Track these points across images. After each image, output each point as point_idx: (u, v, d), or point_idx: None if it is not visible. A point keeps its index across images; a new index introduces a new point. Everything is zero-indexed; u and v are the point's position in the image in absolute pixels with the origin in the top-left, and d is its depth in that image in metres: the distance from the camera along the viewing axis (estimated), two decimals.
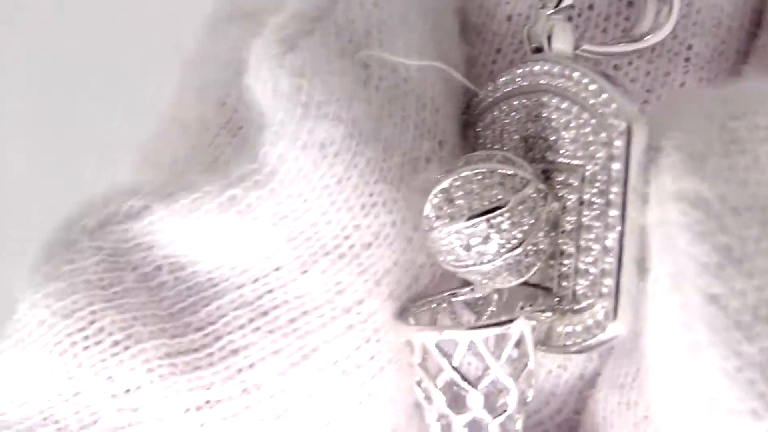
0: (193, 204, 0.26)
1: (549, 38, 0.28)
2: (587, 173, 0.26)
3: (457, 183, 0.26)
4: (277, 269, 0.26)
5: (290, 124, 0.26)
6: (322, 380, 0.26)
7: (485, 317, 0.27)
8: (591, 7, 0.29)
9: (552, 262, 0.27)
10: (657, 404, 0.25)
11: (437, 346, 0.26)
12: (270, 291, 0.26)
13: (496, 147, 0.28)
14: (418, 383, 0.27)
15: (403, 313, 0.27)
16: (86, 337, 0.26)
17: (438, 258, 0.26)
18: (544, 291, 0.27)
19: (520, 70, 0.28)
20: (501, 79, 0.28)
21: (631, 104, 0.26)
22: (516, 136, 0.28)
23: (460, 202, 0.25)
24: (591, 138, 0.26)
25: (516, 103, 0.28)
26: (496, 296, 0.27)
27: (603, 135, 0.26)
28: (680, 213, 0.23)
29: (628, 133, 0.25)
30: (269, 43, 0.26)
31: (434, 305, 0.27)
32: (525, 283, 0.27)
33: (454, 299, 0.28)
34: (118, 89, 0.48)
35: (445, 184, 0.26)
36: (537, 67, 0.27)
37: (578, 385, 0.29)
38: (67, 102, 0.48)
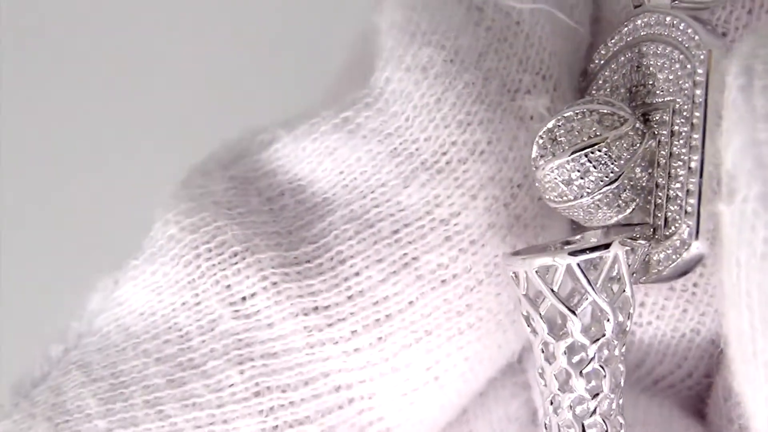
0: (312, 127, 0.29)
1: None
2: (677, 106, 0.27)
3: (560, 123, 0.27)
4: (382, 185, 0.28)
5: (397, 50, 0.28)
6: (421, 288, 0.28)
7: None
8: None
9: (650, 198, 0.28)
10: (737, 337, 0.24)
11: (537, 272, 0.27)
12: (376, 206, 0.28)
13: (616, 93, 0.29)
14: (526, 317, 0.27)
15: (516, 254, 0.28)
16: (209, 249, 0.28)
17: (544, 196, 0.28)
18: (643, 225, 0.28)
19: (625, 28, 0.29)
20: (611, 41, 0.30)
21: (712, 35, 0.27)
22: (623, 90, 0.29)
23: (561, 139, 0.27)
24: (680, 72, 0.28)
25: (622, 59, 0.29)
26: (602, 238, 0.28)
27: (689, 66, 0.27)
28: None
29: (709, 60, 0.27)
30: None
31: (548, 249, 0.28)
32: (629, 224, 0.28)
33: (566, 246, 0.28)
34: (119, 89, 0.48)
35: (550, 125, 0.27)
36: (639, 21, 0.29)
37: (710, 349, 0.30)
38: (67, 101, 0.49)
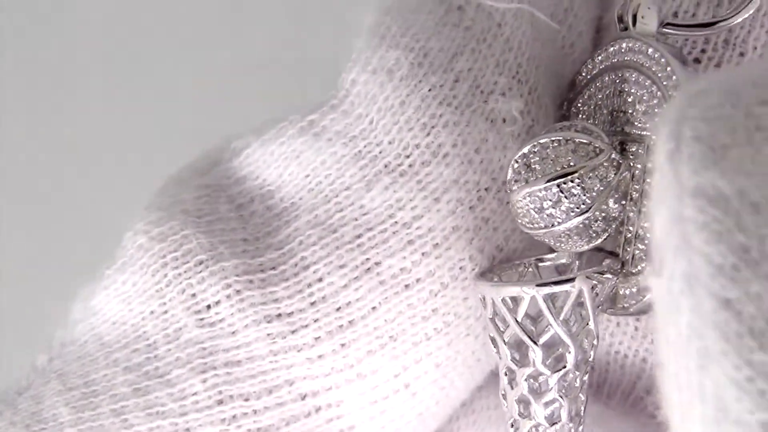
0: (279, 131, 0.29)
1: (635, 17, 0.28)
2: (652, 142, 0.27)
3: (535, 149, 0.27)
4: (346, 189, 0.28)
5: (365, 52, 0.28)
6: (384, 293, 0.28)
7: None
8: None
9: (621, 229, 0.28)
10: (667, 409, 0.23)
11: (503, 301, 0.27)
12: (340, 210, 0.28)
13: (589, 121, 0.29)
14: (492, 339, 0.28)
15: (487, 273, 0.28)
16: (176, 258, 0.28)
17: (517, 220, 0.27)
18: (614, 256, 0.28)
19: (612, 48, 0.29)
20: (598, 57, 0.29)
21: (690, 77, 0.27)
22: (605, 111, 0.29)
23: (536, 167, 0.27)
24: (656, 109, 0.27)
25: (606, 79, 0.29)
26: (577, 262, 0.28)
27: (665, 106, 0.27)
28: (697, 210, 0.21)
29: None
30: None
31: (520, 268, 0.29)
32: (602, 250, 0.28)
33: (540, 264, 0.28)
34: (119, 89, 0.49)
35: (525, 150, 0.27)
36: (624, 45, 0.28)
37: None
38: (67, 102, 0.49)
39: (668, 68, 0.27)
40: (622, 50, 0.28)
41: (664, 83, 0.27)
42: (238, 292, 0.28)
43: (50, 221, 0.48)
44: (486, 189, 0.28)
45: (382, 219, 0.28)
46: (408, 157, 0.28)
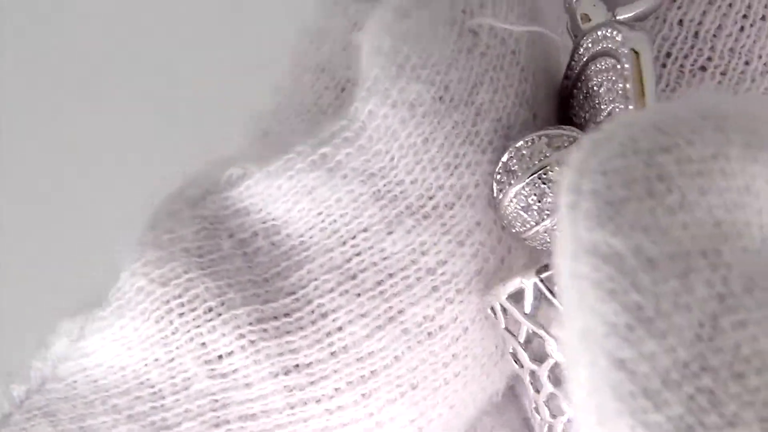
0: (287, 164, 0.27)
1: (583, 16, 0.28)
2: (617, 110, 0.27)
3: (512, 154, 0.27)
4: (364, 230, 0.27)
5: (383, 82, 0.26)
6: (407, 342, 0.27)
7: None
8: None
9: None
10: None
11: (508, 299, 0.26)
12: (358, 254, 0.27)
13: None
14: (512, 353, 0.27)
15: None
16: (182, 304, 0.27)
17: (510, 230, 0.27)
18: None
19: (572, 61, 0.28)
20: (568, 70, 0.28)
21: (633, 30, 0.26)
22: (582, 101, 0.28)
23: (515, 168, 0.27)
24: (613, 77, 0.27)
25: (575, 91, 0.28)
26: None
27: (618, 67, 0.26)
28: (592, 268, 0.20)
29: (635, 55, 0.26)
30: (385, 9, 0.27)
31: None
32: None
33: (542, 274, 0.27)
34: (119, 89, 0.48)
35: (504, 158, 0.27)
36: (580, 49, 0.28)
37: None
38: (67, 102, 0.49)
39: (614, 33, 0.26)
40: (580, 54, 0.28)
41: (615, 48, 0.27)
42: (252, 342, 0.26)
43: (49, 221, 0.48)
44: (503, 227, 0.27)
45: (405, 264, 0.26)
46: (431, 198, 0.26)
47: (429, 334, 0.27)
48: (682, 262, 0.20)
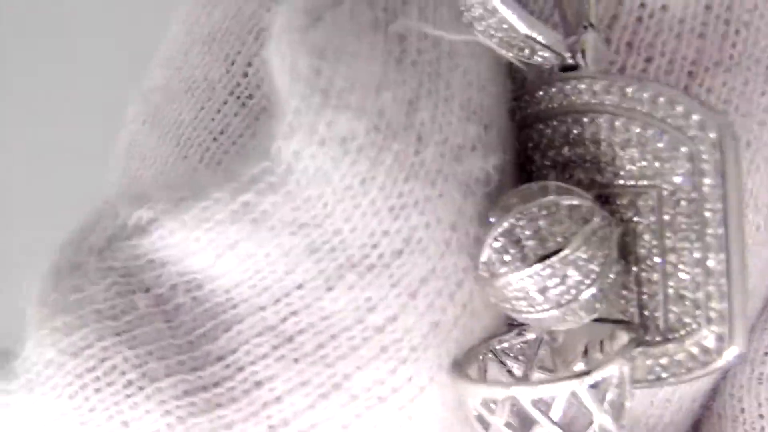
0: (203, 214, 0.23)
1: (583, 53, 0.24)
2: (664, 192, 0.23)
3: (521, 222, 0.23)
4: (299, 287, 0.23)
5: (307, 115, 0.22)
6: (356, 409, 0.23)
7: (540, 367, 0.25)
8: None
9: (625, 292, 0.24)
10: None
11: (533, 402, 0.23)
12: (294, 312, 0.23)
13: (538, 173, 0.25)
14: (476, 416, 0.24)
15: (454, 366, 0.24)
16: (97, 378, 0.23)
17: (504, 306, 0.23)
18: (622, 324, 0.24)
19: (553, 89, 0.24)
20: (537, 94, 0.25)
21: (716, 113, 0.23)
22: (548, 162, 0.25)
23: (529, 242, 0.23)
24: (665, 154, 0.23)
25: (544, 127, 0.25)
26: (546, 337, 0.25)
27: (684, 149, 0.23)
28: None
29: (721, 145, 0.23)
30: (293, 12, 0.23)
31: (480, 356, 0.25)
32: (603, 320, 0.24)
33: (497, 346, 0.25)
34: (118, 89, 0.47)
35: (506, 225, 0.23)
36: (569, 87, 0.24)
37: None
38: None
39: (678, 107, 0.23)
40: (567, 92, 0.24)
41: (674, 124, 0.23)
42: (180, 419, 0.23)
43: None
44: (463, 269, 0.23)
45: (349, 324, 0.23)
46: (375, 247, 0.23)
47: (380, 398, 0.24)
48: None
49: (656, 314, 0.24)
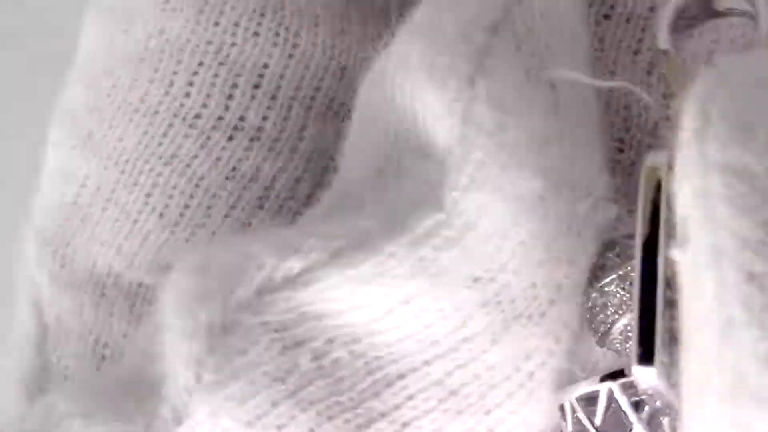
0: (377, 269, 0.23)
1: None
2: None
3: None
4: (466, 340, 0.23)
5: (492, 169, 0.23)
6: None
7: None
8: None
9: None
10: (687, 379, 0.23)
11: (580, 401, 0.25)
12: (459, 366, 0.24)
13: None
14: None
15: None
16: None
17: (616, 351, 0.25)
18: None
19: None
20: None
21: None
22: None
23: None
24: None
25: None
26: None
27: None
28: (724, 185, 0.21)
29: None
30: (452, 52, 0.23)
31: None
32: None
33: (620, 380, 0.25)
34: None
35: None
36: None
37: None
38: None
39: None
40: None
41: None
42: None
43: None
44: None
45: (509, 373, 0.24)
46: (536, 298, 0.24)
47: None
48: None
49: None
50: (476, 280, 0.23)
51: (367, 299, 0.23)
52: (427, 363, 0.23)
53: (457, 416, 0.24)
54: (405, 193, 0.24)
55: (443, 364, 0.23)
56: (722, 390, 0.21)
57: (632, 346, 0.23)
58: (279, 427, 0.22)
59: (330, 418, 0.23)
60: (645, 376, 0.23)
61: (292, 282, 0.23)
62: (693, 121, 0.22)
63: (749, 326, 0.20)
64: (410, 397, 0.23)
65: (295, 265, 0.23)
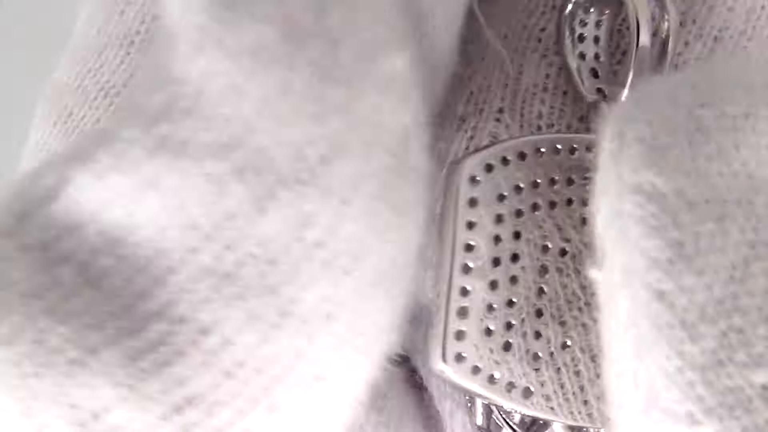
0: (117, 156, 0.21)
1: None
2: None
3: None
4: (228, 216, 0.21)
5: (212, 28, 0.21)
6: (308, 333, 0.22)
7: None
8: None
9: None
10: (609, 394, 0.23)
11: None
12: (228, 246, 0.21)
13: None
14: None
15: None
16: (36, 363, 0.21)
17: None
18: None
19: None
20: None
21: None
22: None
23: None
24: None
25: None
26: None
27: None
28: (635, 206, 0.22)
29: None
30: None
31: None
32: None
33: None
34: None
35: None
36: None
37: None
38: None
39: None
40: None
41: None
42: (131, 387, 0.21)
43: None
44: (389, 168, 0.22)
45: (287, 244, 0.21)
46: (302, 158, 0.21)
47: (328, 316, 0.22)
48: (719, 208, 0.22)
49: None
50: (223, 147, 0.21)
51: (115, 191, 0.22)
52: (194, 250, 0.22)
53: (239, 301, 0.21)
54: (142, 81, 0.23)
55: (210, 248, 0.21)
56: (637, 405, 0.22)
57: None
58: (38, 342, 0.21)
59: (98, 329, 0.21)
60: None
61: (49, 197, 0.22)
62: (610, 143, 0.23)
63: (658, 344, 0.21)
64: (183, 291, 0.22)
65: (49, 178, 0.22)
